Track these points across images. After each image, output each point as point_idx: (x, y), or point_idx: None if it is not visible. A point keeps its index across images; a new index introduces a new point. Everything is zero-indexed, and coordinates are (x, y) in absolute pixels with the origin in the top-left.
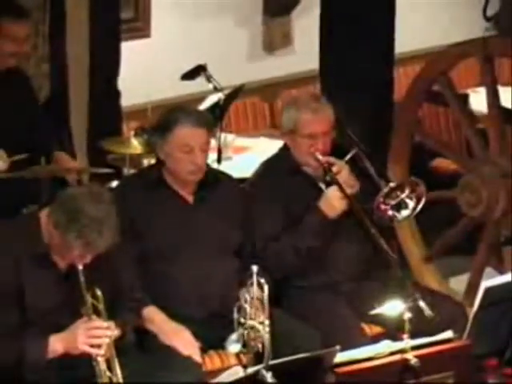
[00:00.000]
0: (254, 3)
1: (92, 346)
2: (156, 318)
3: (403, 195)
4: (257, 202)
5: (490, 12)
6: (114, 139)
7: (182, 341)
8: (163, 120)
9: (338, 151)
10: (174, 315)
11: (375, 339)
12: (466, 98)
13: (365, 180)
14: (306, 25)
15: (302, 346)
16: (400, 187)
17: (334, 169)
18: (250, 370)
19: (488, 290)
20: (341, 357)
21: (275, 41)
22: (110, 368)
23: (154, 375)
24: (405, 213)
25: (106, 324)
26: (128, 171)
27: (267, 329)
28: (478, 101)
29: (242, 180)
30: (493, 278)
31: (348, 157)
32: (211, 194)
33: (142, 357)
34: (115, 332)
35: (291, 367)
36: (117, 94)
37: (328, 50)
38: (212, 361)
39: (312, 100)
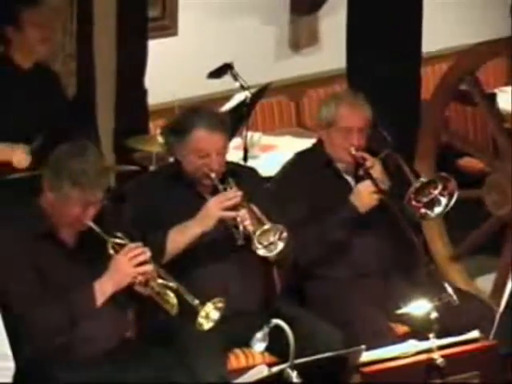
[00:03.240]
0: (282, 2)
1: (138, 265)
2: (180, 228)
3: (436, 192)
4: (285, 191)
5: None
6: (141, 137)
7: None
8: (180, 122)
9: (368, 152)
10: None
11: (401, 339)
12: (493, 97)
13: (395, 181)
14: (333, 23)
15: (324, 346)
16: (432, 184)
17: (368, 163)
18: (275, 368)
19: None
20: (366, 356)
21: (302, 39)
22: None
23: (179, 374)
24: (437, 210)
25: (138, 243)
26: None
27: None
28: (506, 100)
29: (269, 178)
30: None
31: (382, 155)
32: (229, 188)
33: (168, 355)
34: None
35: (316, 366)
36: (143, 93)
37: (355, 49)
38: (237, 359)
39: (351, 96)
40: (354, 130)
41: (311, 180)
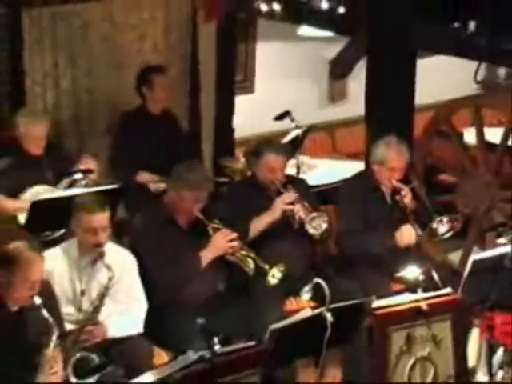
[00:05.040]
0: (323, 70)
1: (228, 242)
2: (258, 218)
3: (445, 220)
4: (346, 199)
5: (479, 77)
6: (229, 158)
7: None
8: (257, 148)
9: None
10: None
11: (400, 292)
12: (461, 134)
13: (416, 202)
14: (356, 85)
15: (349, 296)
16: (444, 219)
17: (403, 192)
18: (316, 311)
19: (475, 262)
20: (376, 303)
21: (336, 95)
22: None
23: (256, 310)
24: (441, 231)
25: (228, 229)
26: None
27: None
28: (470, 136)
29: (313, 186)
30: (478, 253)
31: (410, 186)
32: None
33: (248, 299)
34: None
35: (344, 310)
36: (231, 130)
37: (371, 103)
38: (291, 304)
39: (398, 143)
40: (397, 169)
41: (363, 194)
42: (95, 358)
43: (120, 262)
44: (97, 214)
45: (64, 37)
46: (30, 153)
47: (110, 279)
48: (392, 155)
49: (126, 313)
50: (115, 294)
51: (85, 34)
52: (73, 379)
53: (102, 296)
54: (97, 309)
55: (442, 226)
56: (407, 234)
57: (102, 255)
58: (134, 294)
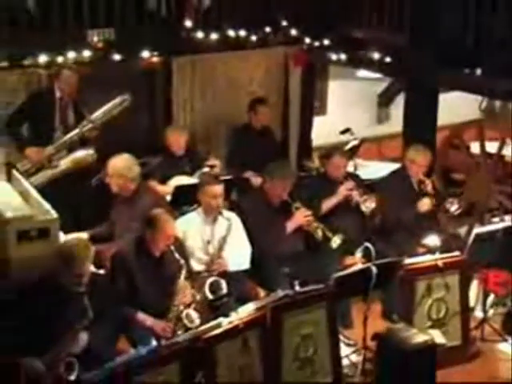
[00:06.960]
0: (373, 100)
1: (305, 217)
2: (328, 200)
3: (455, 202)
4: (386, 188)
5: (482, 107)
6: (308, 159)
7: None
8: (327, 153)
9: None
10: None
11: (423, 254)
12: (469, 146)
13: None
14: (397, 110)
15: (387, 256)
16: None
17: (426, 182)
18: (365, 265)
19: (476, 234)
20: (406, 261)
21: (382, 118)
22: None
23: (324, 263)
24: (452, 209)
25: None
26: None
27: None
28: (475, 148)
29: (365, 179)
30: (478, 228)
31: (431, 179)
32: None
33: (318, 255)
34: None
35: (384, 265)
36: (310, 140)
37: (406, 124)
38: (348, 260)
39: (423, 147)
40: (423, 166)
41: (397, 184)
42: (224, 284)
43: (232, 221)
44: (216, 186)
45: (199, 76)
46: (175, 154)
47: (229, 226)
48: (420, 156)
49: (237, 254)
50: (230, 242)
51: (213, 74)
52: (209, 295)
53: (222, 243)
54: (219, 252)
55: (453, 206)
56: (426, 202)
57: (221, 213)
58: (243, 242)
